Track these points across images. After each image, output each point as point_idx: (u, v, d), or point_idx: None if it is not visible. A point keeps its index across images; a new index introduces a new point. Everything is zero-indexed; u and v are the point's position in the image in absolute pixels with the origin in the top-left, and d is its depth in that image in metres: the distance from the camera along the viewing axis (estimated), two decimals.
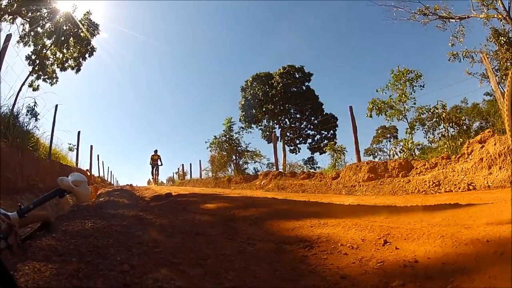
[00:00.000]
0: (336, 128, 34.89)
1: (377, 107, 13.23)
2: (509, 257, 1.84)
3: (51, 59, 13.97)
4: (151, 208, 5.49)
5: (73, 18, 13.65)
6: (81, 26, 13.82)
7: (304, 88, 36.26)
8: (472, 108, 35.79)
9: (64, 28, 13.52)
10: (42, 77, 13.71)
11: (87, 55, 14.45)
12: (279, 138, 27.43)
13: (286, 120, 36.52)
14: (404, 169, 9.35)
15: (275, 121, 36.09)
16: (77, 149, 16.59)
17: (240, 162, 21.19)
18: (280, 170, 16.00)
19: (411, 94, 12.97)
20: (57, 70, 14.09)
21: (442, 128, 11.81)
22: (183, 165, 33.16)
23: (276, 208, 5.54)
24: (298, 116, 36.47)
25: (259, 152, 21.59)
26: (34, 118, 9.70)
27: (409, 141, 12.15)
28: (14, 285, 1.18)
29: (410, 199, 6.24)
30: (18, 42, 12.77)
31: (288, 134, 35.54)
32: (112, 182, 32.89)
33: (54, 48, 13.77)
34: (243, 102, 35.51)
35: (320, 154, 32.94)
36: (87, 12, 14.10)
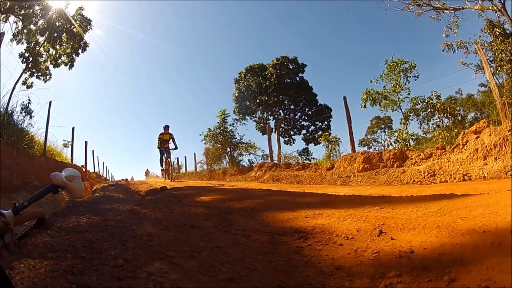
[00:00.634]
0: (331, 119, 34.95)
1: (371, 98, 13.26)
2: (506, 248, 1.82)
3: (44, 56, 13.92)
4: (146, 202, 5.46)
5: (66, 14, 13.59)
6: (73, 22, 13.77)
7: (298, 79, 36.13)
8: (467, 99, 35.88)
9: (57, 24, 13.48)
10: (35, 74, 13.68)
11: (80, 51, 14.42)
12: (274, 129, 27.47)
13: (280, 111, 36.45)
14: (399, 160, 9.37)
15: (269, 113, 36.02)
16: (72, 145, 16.55)
17: (235, 154, 21.24)
18: (275, 161, 16.03)
19: (405, 84, 13.05)
20: (50, 67, 14.08)
21: (436, 119, 11.86)
22: (177, 158, 33.11)
23: (271, 200, 5.53)
24: (292, 107, 36.41)
25: (254, 143, 21.64)
26: (29, 116, 9.71)
27: (404, 131, 12.19)
28: (9, 284, 1.16)
29: (405, 189, 6.23)
30: (11, 40, 12.74)
31: (282, 125, 35.57)
32: (108, 178, 32.81)
33: (47, 45, 13.72)
34: (236, 94, 35.35)
35: (315, 145, 33.09)
36: (80, 7, 14.06)
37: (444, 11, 16.85)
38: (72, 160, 15.69)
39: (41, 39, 13.45)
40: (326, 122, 35.27)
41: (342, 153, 12.80)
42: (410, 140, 12.22)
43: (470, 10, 16.13)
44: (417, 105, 12.46)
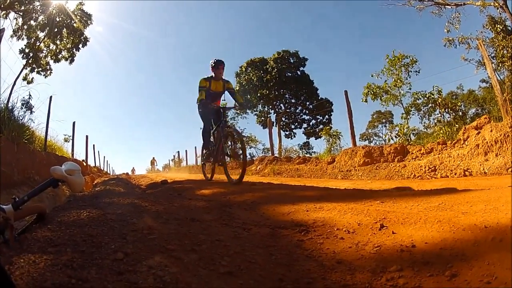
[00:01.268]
0: (332, 113, 34.97)
1: (372, 92, 13.24)
2: (508, 245, 1.81)
3: (44, 51, 13.89)
4: (147, 196, 5.45)
5: (66, 10, 13.56)
6: (73, 17, 13.71)
7: (299, 73, 36.04)
8: (468, 94, 35.81)
9: (57, 19, 13.45)
10: (36, 69, 13.68)
11: (80, 46, 14.39)
12: (275, 123, 27.43)
13: (281, 105, 36.38)
14: (400, 154, 9.36)
15: (270, 106, 35.95)
16: (73, 139, 16.51)
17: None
18: (275, 155, 16.01)
19: (407, 79, 13.01)
20: (51, 62, 14.06)
21: (437, 114, 11.85)
22: (178, 152, 33.25)
23: (272, 193, 5.52)
24: (293, 101, 36.34)
25: (255, 137, 21.61)
26: (29, 111, 9.72)
27: (405, 126, 12.16)
28: (9, 281, 1.15)
29: (406, 183, 6.23)
30: (11, 36, 12.71)
31: (283, 119, 35.53)
32: (109, 172, 32.88)
33: (48, 40, 13.69)
34: (237, 88, 35.19)
35: (316, 139, 33.05)
36: (80, 2, 14.03)
37: (446, 6, 16.75)
38: (73, 154, 15.66)
39: (41, 34, 13.45)
40: (327, 116, 35.26)
41: (343, 147, 12.82)
42: (411, 135, 12.21)
43: (472, 6, 16.02)
44: (418, 100, 12.44)
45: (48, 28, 13.15)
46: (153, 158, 42.79)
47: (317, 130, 29.33)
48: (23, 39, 13.05)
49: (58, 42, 13.87)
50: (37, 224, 2.58)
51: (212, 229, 2.97)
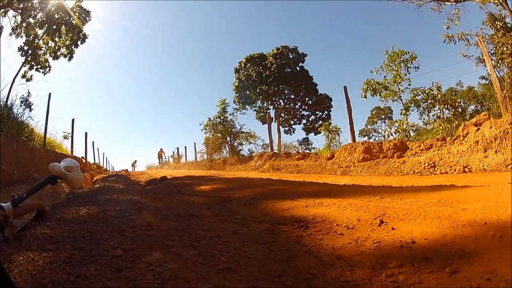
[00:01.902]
0: (331, 108, 34.83)
1: (371, 88, 13.21)
2: (508, 241, 1.81)
3: (43, 48, 13.81)
4: (146, 192, 5.46)
5: (65, 7, 13.44)
6: (72, 14, 13.62)
7: (298, 68, 35.89)
8: (468, 91, 35.70)
9: (56, 16, 13.35)
10: (35, 67, 13.56)
11: (79, 42, 14.27)
12: (274, 119, 27.42)
13: (281, 101, 36.30)
14: (399, 150, 9.35)
15: (270, 102, 35.86)
16: (72, 136, 16.46)
17: (235, 144, 21.18)
18: (275, 151, 16.02)
19: (406, 75, 12.96)
20: (50, 59, 13.96)
21: (437, 110, 11.82)
22: (178, 148, 33.20)
23: (271, 189, 5.52)
24: (292, 96, 36.24)
25: (254, 133, 21.53)
26: (28, 109, 9.69)
27: (404, 122, 12.15)
28: (8, 281, 1.15)
29: (406, 180, 6.24)
30: (10, 34, 12.60)
31: (282, 115, 35.45)
32: (108, 168, 32.78)
33: (46, 38, 13.60)
34: (237, 84, 35.16)
35: (315, 134, 32.90)
36: None
37: (445, 2, 16.66)
38: (72, 151, 15.61)
39: (40, 32, 13.34)
40: (326, 112, 35.16)
41: (342, 143, 12.79)
42: (411, 131, 12.21)
43: (472, 2, 15.93)
44: (417, 96, 12.41)
45: (47, 25, 13.06)
46: (161, 149, 38.70)
47: (317, 126, 29.27)
48: (21, 36, 12.96)
49: (57, 39, 13.78)
50: (36, 222, 2.57)
51: (211, 225, 2.97)
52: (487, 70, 11.10)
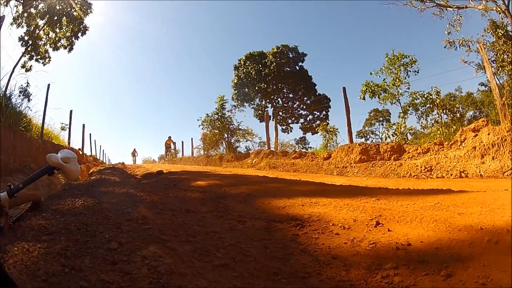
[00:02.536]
0: (329, 109, 34.89)
1: (370, 90, 13.22)
2: (504, 247, 1.82)
3: (43, 39, 13.75)
4: (142, 186, 5.46)
5: None
6: (74, 5, 13.56)
7: (297, 68, 35.90)
8: (466, 97, 35.82)
9: (57, 7, 13.28)
10: (34, 57, 13.50)
11: (79, 34, 14.19)
12: (272, 117, 27.39)
13: (279, 99, 36.29)
14: (396, 153, 9.36)
15: (268, 100, 35.85)
16: (69, 128, 16.44)
17: (232, 141, 21.17)
18: (272, 149, 16.02)
19: (405, 78, 12.97)
20: (50, 50, 13.90)
21: (435, 114, 11.84)
22: (175, 143, 33.06)
23: (267, 186, 5.52)
24: (291, 95, 36.23)
25: (251, 130, 21.54)
26: (27, 99, 9.65)
27: (402, 125, 12.16)
28: (3, 272, 1.15)
29: (402, 182, 6.24)
30: (11, 24, 12.53)
31: (280, 113, 35.42)
32: (105, 161, 32.62)
33: (47, 28, 13.52)
34: (236, 81, 35.13)
35: (312, 134, 33.00)
36: None
37: (448, 8, 16.66)
38: (69, 143, 15.51)
39: (41, 22, 13.27)
40: (324, 112, 35.19)
41: (340, 144, 12.80)
42: (408, 134, 12.22)
43: (474, 9, 15.93)
44: (416, 99, 12.42)
45: (48, 16, 12.98)
46: (169, 138, 32.34)
47: (314, 126, 29.34)
48: (22, 26, 12.87)
49: (57, 30, 13.72)
50: (31, 212, 2.56)
51: (207, 221, 2.97)
52: (487, 77, 11.13)
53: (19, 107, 8.54)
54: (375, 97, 13.29)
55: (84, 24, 14.19)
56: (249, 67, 34.72)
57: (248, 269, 1.89)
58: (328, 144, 14.24)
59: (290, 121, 36.49)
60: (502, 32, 13.88)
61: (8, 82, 8.84)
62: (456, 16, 16.35)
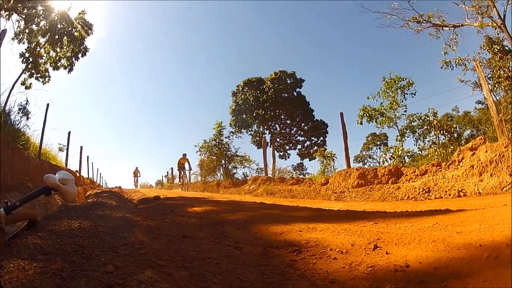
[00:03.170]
0: (326, 134, 35.08)
1: (368, 114, 13.31)
2: (503, 261, 1.80)
3: (44, 57, 13.90)
4: (139, 210, 5.43)
5: (68, 17, 13.59)
6: (76, 24, 13.77)
7: (295, 94, 36.28)
8: (463, 116, 36.12)
9: (59, 26, 13.48)
10: (35, 75, 13.66)
11: (80, 55, 14.39)
12: (269, 143, 27.45)
13: (276, 125, 36.54)
14: (394, 176, 9.37)
15: (265, 127, 36.08)
16: (67, 149, 16.49)
17: (230, 167, 21.20)
18: (269, 175, 16.00)
19: (402, 101, 13.08)
20: (50, 69, 14.05)
21: (433, 136, 11.89)
22: (172, 168, 33.01)
23: (265, 213, 5.49)
24: (288, 122, 36.50)
25: (249, 157, 21.63)
26: (26, 117, 9.70)
27: (400, 148, 12.22)
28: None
29: (400, 205, 6.23)
30: (12, 39, 12.74)
31: (278, 139, 35.56)
32: (101, 184, 32.50)
33: (48, 47, 13.73)
34: (233, 107, 35.44)
35: (310, 160, 33.04)
36: (82, 11, 14.06)
37: (444, 28, 16.97)
38: (66, 164, 15.53)
39: (42, 40, 13.48)
40: (322, 138, 35.37)
41: (337, 169, 12.83)
42: (406, 157, 12.26)
43: (470, 27, 16.24)
44: (413, 122, 12.51)
45: (49, 34, 13.17)
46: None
47: (312, 152, 29.39)
48: (24, 42, 13.06)
49: (58, 49, 13.89)
50: (28, 231, 2.55)
51: (204, 247, 2.94)
52: (483, 95, 11.27)
53: (17, 124, 8.58)
54: (372, 121, 13.37)
55: (84, 45, 14.41)
56: (247, 93, 35.11)
57: None
58: (326, 169, 14.28)
59: (287, 147, 36.63)
60: (498, 48, 14.12)
61: (7, 98, 8.89)
62: (453, 35, 16.68)
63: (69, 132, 16.78)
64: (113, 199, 7.13)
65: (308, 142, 36.22)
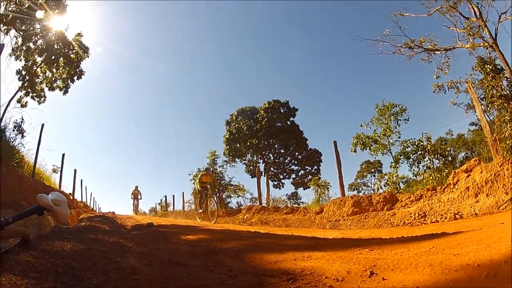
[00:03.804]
0: (320, 163, 35.17)
1: (361, 142, 13.37)
2: (503, 277, 1.78)
3: (40, 77, 14.01)
4: (132, 236, 5.37)
5: (65, 38, 13.78)
6: (73, 45, 13.94)
7: (288, 123, 36.56)
8: (457, 139, 36.46)
9: (56, 47, 13.66)
10: (30, 94, 13.75)
11: (75, 78, 14.58)
12: (263, 172, 27.46)
13: (270, 155, 36.62)
14: (389, 202, 9.34)
15: (259, 156, 36.15)
16: (61, 171, 16.45)
17: (223, 196, 21.09)
18: (263, 204, 15.91)
19: (396, 128, 13.17)
20: (46, 89, 14.14)
21: (427, 160, 11.92)
22: (166, 196, 32.81)
23: (259, 241, 5.44)
24: (282, 151, 36.60)
25: (243, 186, 21.64)
26: (20, 135, 9.70)
27: (394, 174, 12.24)
28: None
29: (396, 231, 6.20)
30: (10, 54, 12.87)
31: (272, 169, 35.58)
32: (95, 208, 32.21)
33: (44, 66, 13.90)
34: (227, 136, 35.57)
35: (304, 189, 33.00)
36: (78, 33, 14.32)
37: (435, 52, 17.22)
38: (60, 186, 15.41)
39: (39, 59, 13.65)
40: (316, 167, 35.46)
41: (332, 197, 12.77)
42: (400, 183, 12.26)
43: (461, 49, 16.47)
44: (407, 148, 12.55)
45: (46, 53, 13.33)
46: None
47: (306, 181, 29.42)
48: (21, 60, 13.21)
49: (54, 70, 14.03)
50: (20, 248, 2.54)
51: (197, 274, 2.88)
52: (477, 116, 11.36)
53: (12, 141, 8.53)
54: (366, 149, 13.41)
55: (80, 68, 14.53)
56: (241, 123, 35.36)
57: None
58: (320, 198, 14.22)
59: (281, 176, 36.61)
60: (491, 67, 14.29)
61: (3, 114, 8.92)
62: (444, 58, 16.92)
63: (63, 154, 16.76)
64: (106, 224, 7.12)
65: (302, 171, 36.27)
